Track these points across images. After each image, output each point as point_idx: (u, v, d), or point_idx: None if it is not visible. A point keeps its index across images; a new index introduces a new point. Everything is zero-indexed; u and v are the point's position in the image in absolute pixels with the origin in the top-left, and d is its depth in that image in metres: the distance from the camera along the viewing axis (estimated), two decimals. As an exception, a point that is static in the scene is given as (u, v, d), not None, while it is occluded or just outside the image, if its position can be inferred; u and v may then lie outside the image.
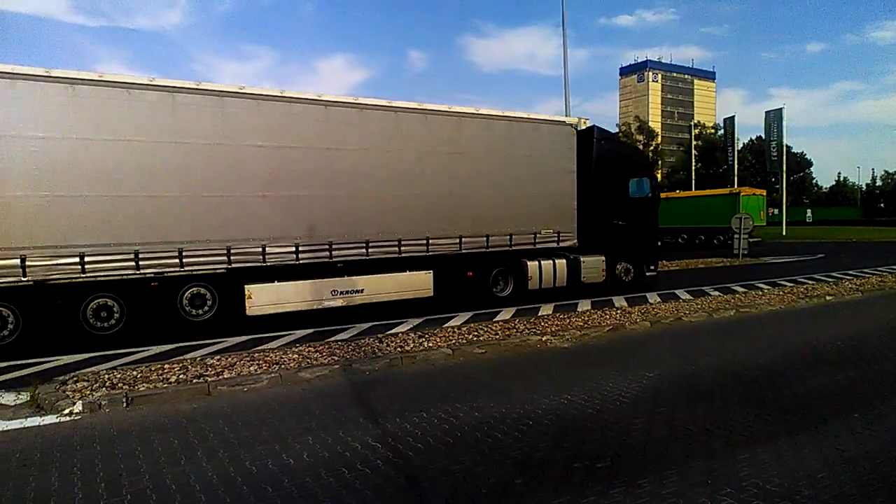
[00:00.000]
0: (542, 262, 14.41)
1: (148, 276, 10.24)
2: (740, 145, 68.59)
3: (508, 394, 6.82)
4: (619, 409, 6.23)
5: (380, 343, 9.29)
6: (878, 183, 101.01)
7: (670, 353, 8.95)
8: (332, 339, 10.06)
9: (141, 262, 10.09)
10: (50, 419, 6.23)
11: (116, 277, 10.01)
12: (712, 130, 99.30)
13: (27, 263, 9.26)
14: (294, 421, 6.00)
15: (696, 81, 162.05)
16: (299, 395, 7.04)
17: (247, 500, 4.31)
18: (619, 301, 13.99)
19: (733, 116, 61.30)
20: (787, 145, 59.04)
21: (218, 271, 10.86)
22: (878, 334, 10.00)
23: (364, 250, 12.19)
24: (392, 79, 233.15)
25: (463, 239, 13.36)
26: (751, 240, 28.58)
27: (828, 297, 13.95)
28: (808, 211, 78.71)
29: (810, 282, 17.24)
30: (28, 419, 6.26)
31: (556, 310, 12.89)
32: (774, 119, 56.08)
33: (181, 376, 7.41)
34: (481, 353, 8.94)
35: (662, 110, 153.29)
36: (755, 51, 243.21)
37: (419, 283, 12.90)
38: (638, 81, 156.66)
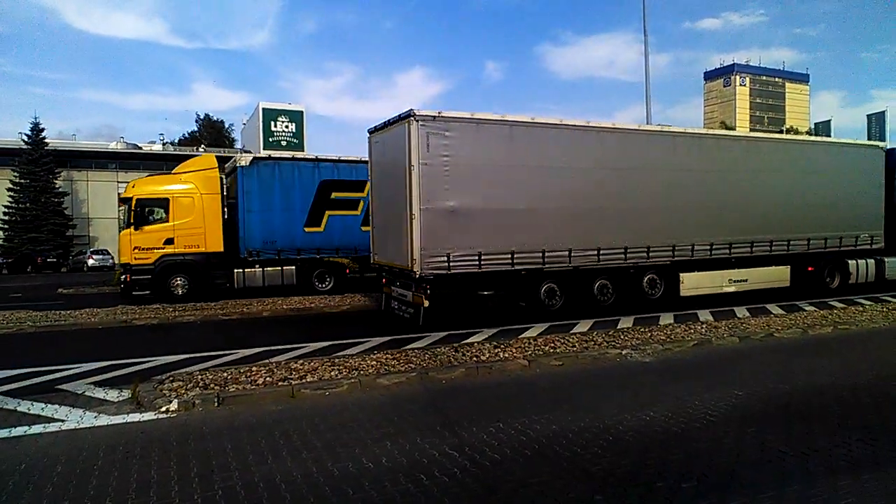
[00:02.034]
0: (859, 262, 17.35)
1: (629, 265, 14.06)
2: (837, 151, 64.20)
3: (587, 408, 6.67)
4: (706, 427, 5.96)
5: (455, 352, 9.33)
6: None
7: (761, 370, 8.48)
8: (409, 347, 10.20)
9: (627, 256, 13.87)
10: (149, 415, 6.66)
11: (613, 265, 13.82)
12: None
13: (573, 255, 13.14)
14: (373, 426, 6.12)
15: (787, 84, 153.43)
16: (378, 400, 7.18)
17: (329, 500, 4.43)
18: (705, 315, 13.44)
19: (829, 121, 57.74)
20: (891, 150, 54.73)
21: (665, 263, 14.47)
22: None
23: (749, 249, 15.46)
24: (469, 90, 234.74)
25: (810, 241, 16.40)
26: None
27: (940, 315, 12.80)
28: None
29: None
30: (129, 415, 6.72)
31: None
32: (876, 122, 52.33)
33: (267, 379, 7.73)
34: (558, 366, 8.80)
35: (751, 115, 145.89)
36: (854, 51, 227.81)
37: (781, 275, 16.11)
38: (724, 86, 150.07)
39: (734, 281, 15.32)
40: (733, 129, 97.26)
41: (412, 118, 11.46)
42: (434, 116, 11.63)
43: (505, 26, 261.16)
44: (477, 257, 12.13)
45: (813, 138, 17.58)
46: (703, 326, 11.52)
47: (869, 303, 14.87)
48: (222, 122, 73.98)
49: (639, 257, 14.05)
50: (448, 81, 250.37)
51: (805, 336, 10.96)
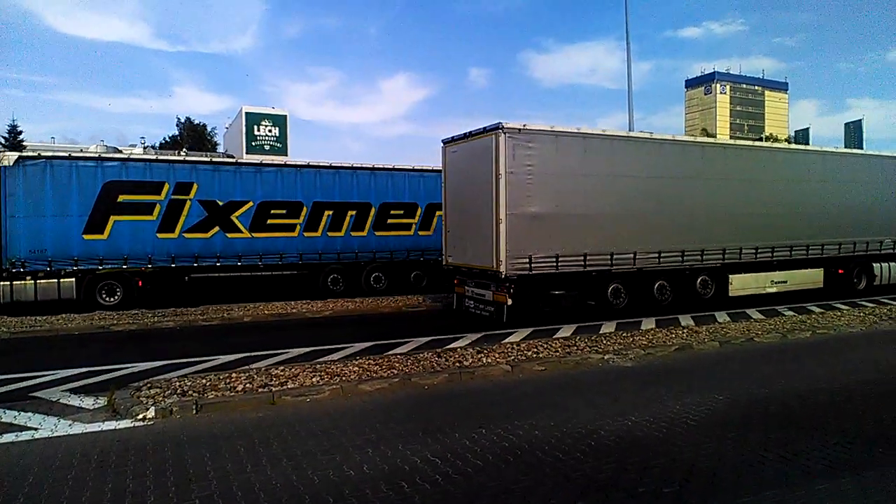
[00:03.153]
0: (883, 265, 18.50)
1: (685, 267, 15.09)
2: (815, 158, 65.20)
3: (569, 413, 6.67)
4: (687, 432, 5.99)
5: (438, 357, 9.29)
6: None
7: (742, 375, 8.55)
8: (392, 352, 10.14)
9: (684, 258, 14.92)
10: (125, 423, 6.53)
11: (670, 268, 14.84)
12: (785, 143, 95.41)
13: (637, 257, 14.12)
14: (355, 433, 6.06)
15: (767, 93, 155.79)
16: (360, 407, 7.11)
17: (308, 509, 4.37)
18: (686, 320, 13.54)
19: (807, 129, 58.69)
20: (867, 158, 55.77)
21: (716, 265, 15.54)
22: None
23: (789, 252, 16.60)
24: (453, 96, 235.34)
25: (841, 245, 17.44)
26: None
27: (916, 320, 13.04)
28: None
29: (895, 303, 16.17)
30: (105, 423, 6.59)
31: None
32: (853, 131, 53.39)
33: (247, 385, 7.63)
34: (541, 370, 8.80)
35: (731, 123, 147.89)
36: (832, 60, 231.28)
37: (816, 277, 17.22)
38: (705, 94, 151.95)
39: (776, 282, 16.43)
40: (714, 136, 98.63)
41: (500, 130, 12.36)
42: (519, 129, 12.56)
43: (488, 33, 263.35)
44: (555, 259, 13.17)
45: (846, 150, 19.16)
46: (685, 331, 11.61)
47: (847, 308, 15.10)
48: (204, 125, 72.90)
49: (694, 260, 15.12)
50: (432, 87, 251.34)
51: (784, 341, 11.09)
